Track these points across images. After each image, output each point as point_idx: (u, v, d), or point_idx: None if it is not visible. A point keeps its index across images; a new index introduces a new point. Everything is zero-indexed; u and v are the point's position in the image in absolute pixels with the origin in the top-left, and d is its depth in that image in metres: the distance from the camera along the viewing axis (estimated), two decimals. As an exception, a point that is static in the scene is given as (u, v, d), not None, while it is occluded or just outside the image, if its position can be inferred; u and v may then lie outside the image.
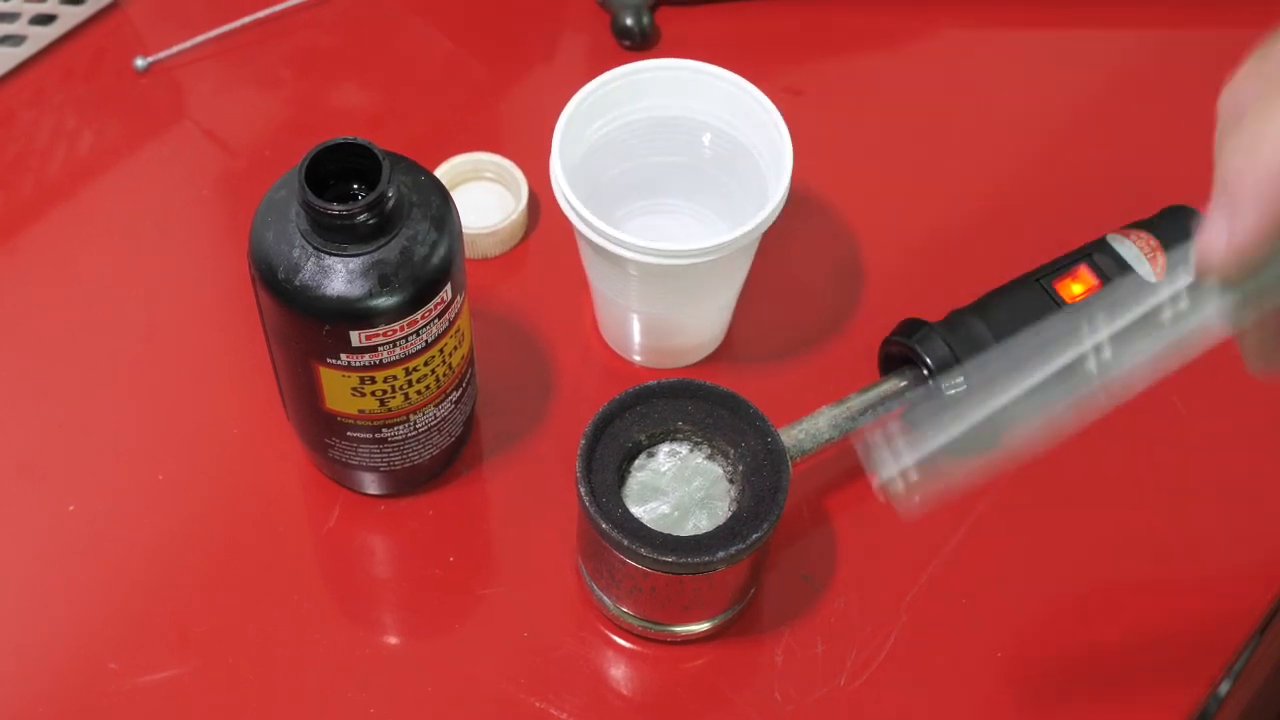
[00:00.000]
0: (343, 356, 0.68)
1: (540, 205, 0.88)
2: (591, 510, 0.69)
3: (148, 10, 0.97)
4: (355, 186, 0.68)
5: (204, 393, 0.83)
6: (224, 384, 0.82)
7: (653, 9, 0.96)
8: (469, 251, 0.85)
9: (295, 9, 0.96)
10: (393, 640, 0.77)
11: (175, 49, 0.94)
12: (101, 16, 0.96)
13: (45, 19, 0.93)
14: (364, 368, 0.68)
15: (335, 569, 0.78)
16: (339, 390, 0.70)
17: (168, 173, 0.91)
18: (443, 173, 0.87)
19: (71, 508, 0.78)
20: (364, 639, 0.76)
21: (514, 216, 0.86)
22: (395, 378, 0.70)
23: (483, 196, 0.88)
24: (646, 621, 0.74)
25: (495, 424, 0.81)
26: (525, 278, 0.86)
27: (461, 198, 0.87)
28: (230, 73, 0.95)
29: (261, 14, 0.95)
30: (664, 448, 0.73)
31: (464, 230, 0.83)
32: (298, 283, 0.66)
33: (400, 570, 0.79)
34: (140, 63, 0.93)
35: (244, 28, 0.95)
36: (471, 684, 0.74)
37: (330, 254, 0.66)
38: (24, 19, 0.91)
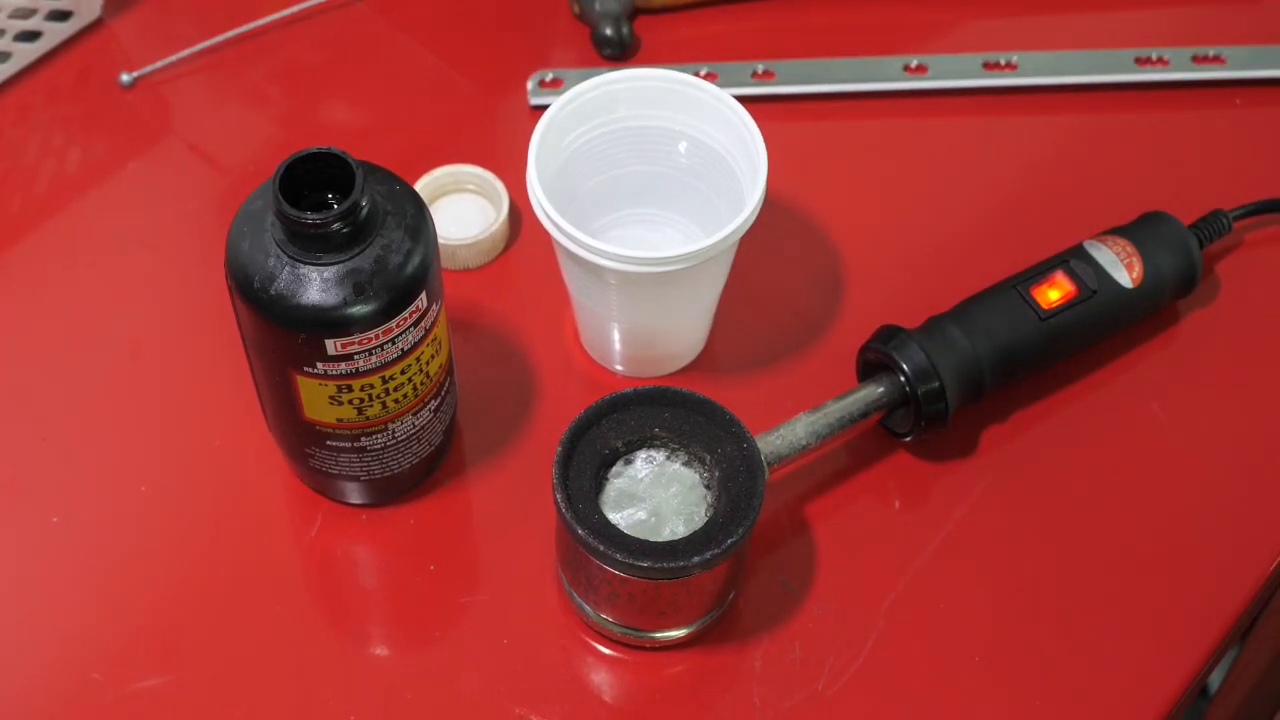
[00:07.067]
0: (319, 365, 0.68)
1: (522, 217, 0.89)
2: (568, 517, 0.70)
3: (133, 26, 0.97)
4: (330, 196, 0.68)
5: (188, 405, 0.83)
6: (208, 397, 0.83)
7: (631, 18, 0.96)
8: (450, 263, 0.86)
9: (280, 24, 0.97)
10: (374, 649, 0.77)
11: (160, 64, 0.94)
12: (87, 33, 0.96)
13: (30, 35, 0.94)
14: (341, 376, 0.69)
15: (317, 579, 0.79)
16: (317, 399, 0.70)
17: (154, 188, 0.92)
18: (423, 185, 0.88)
19: (55, 519, 0.79)
20: (346, 648, 0.76)
21: (495, 228, 0.86)
22: (372, 386, 0.70)
23: (464, 208, 0.88)
24: (625, 628, 0.74)
25: (476, 434, 0.81)
26: (506, 289, 0.87)
27: (442, 209, 0.88)
28: (215, 88, 0.95)
29: (245, 28, 0.96)
30: (641, 454, 0.73)
31: (445, 241, 0.84)
32: (273, 292, 0.66)
33: (382, 579, 0.79)
34: (126, 78, 0.94)
35: (229, 43, 0.96)
36: (453, 692, 0.74)
37: (305, 263, 0.66)
38: (8, 36, 0.92)
